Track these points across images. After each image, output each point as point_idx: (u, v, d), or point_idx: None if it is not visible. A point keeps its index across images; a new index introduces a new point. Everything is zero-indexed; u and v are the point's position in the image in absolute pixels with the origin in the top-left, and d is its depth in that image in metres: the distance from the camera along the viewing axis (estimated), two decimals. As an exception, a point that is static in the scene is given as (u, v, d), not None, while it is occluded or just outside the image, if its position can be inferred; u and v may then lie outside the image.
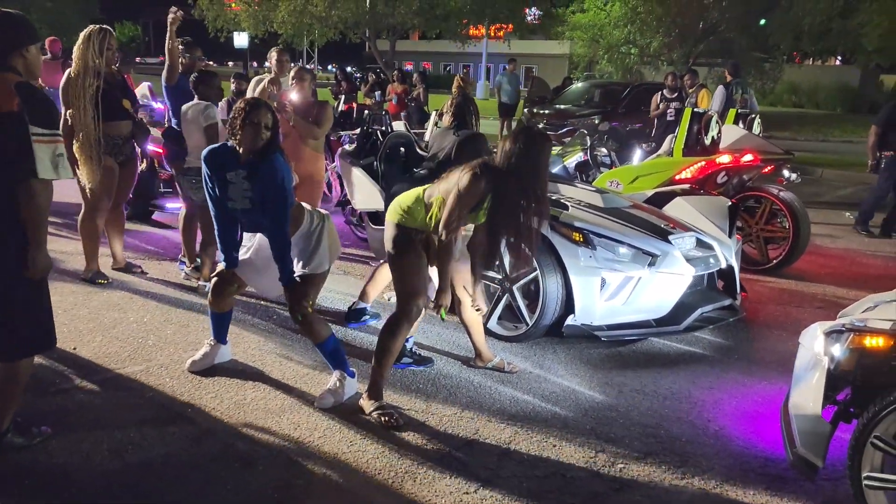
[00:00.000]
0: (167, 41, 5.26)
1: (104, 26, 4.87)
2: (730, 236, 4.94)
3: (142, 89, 9.04)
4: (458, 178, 3.21)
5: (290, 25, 22.51)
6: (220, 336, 3.93)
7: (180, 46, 5.44)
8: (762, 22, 20.50)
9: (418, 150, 5.62)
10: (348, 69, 22.14)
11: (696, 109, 6.97)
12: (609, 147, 7.37)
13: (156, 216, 7.39)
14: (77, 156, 4.72)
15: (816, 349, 2.85)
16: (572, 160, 7.10)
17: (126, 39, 49.47)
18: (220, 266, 3.74)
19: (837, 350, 2.70)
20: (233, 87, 7.61)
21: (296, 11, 22.00)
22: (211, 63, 37.28)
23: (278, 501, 2.79)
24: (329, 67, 54.47)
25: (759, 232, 6.34)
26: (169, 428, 3.27)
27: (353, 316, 4.67)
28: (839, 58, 35.45)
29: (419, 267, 3.46)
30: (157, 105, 8.59)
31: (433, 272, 3.54)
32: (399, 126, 6.74)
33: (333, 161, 7.13)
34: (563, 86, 17.37)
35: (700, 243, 4.67)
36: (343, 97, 12.96)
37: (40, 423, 3.14)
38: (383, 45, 25.14)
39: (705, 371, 4.18)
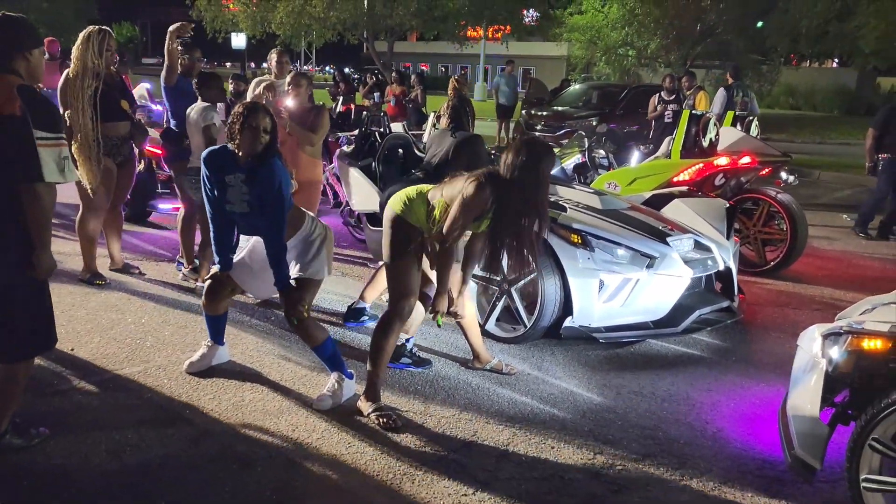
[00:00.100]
0: (167, 42, 5.25)
1: (103, 27, 4.86)
2: (727, 238, 4.95)
3: (139, 90, 9.03)
4: (462, 187, 3.22)
5: (289, 26, 22.48)
6: (218, 337, 3.92)
7: (179, 48, 5.44)
8: (759, 24, 20.56)
9: (416, 151, 5.62)
10: (346, 70, 22.10)
11: (693, 111, 6.98)
12: (607, 149, 7.38)
13: (153, 217, 7.38)
14: (76, 157, 4.71)
15: (814, 351, 2.86)
16: (570, 162, 7.11)
17: (124, 40, 49.39)
18: (215, 268, 3.73)
19: (835, 352, 2.71)
20: (231, 88, 7.61)
21: (294, 12, 21.97)
22: (210, 64, 37.27)
23: (277, 502, 2.79)
24: (327, 68, 54.50)
25: (756, 234, 6.35)
26: (167, 429, 3.27)
27: (352, 315, 4.68)
28: (836, 60, 35.55)
29: (413, 267, 3.47)
30: (156, 107, 8.59)
31: (433, 274, 3.54)
32: (397, 127, 6.75)
33: (331, 163, 7.14)
34: (561, 87, 17.40)
35: (698, 245, 4.68)
36: (341, 98, 12.95)
37: (38, 424, 3.14)
38: (381, 47, 25.14)
39: (703, 373, 4.18)
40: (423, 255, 3.50)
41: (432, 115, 6.14)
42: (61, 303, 4.75)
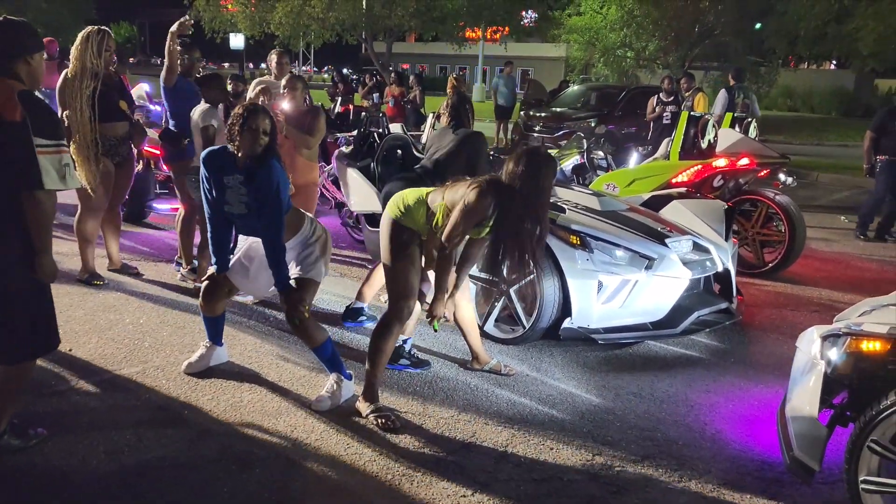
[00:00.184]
0: (168, 43, 5.25)
1: (103, 27, 4.86)
2: (726, 240, 4.95)
3: (138, 90, 9.02)
4: (465, 193, 3.22)
5: (287, 27, 22.47)
6: (216, 338, 3.92)
7: (179, 48, 5.44)
8: (758, 26, 20.57)
9: (415, 152, 5.62)
10: (345, 71, 22.08)
11: (692, 113, 6.99)
12: (605, 150, 7.39)
13: (151, 217, 7.37)
14: (74, 157, 4.70)
15: (813, 353, 2.86)
16: (569, 163, 7.11)
17: (122, 40, 49.37)
18: (211, 269, 3.73)
19: (834, 354, 2.71)
20: (230, 88, 7.59)
21: (293, 13, 21.96)
22: (208, 64, 37.22)
23: (275, 503, 2.79)
24: (326, 69, 54.50)
25: (755, 235, 6.36)
26: (165, 430, 3.27)
27: (350, 315, 4.67)
28: (834, 62, 35.55)
29: (412, 268, 3.47)
30: (155, 107, 8.58)
31: (432, 276, 3.54)
32: (396, 128, 6.74)
33: (329, 163, 7.12)
34: (560, 89, 17.40)
35: (696, 247, 4.68)
36: (339, 99, 12.95)
37: (36, 425, 3.13)
38: (380, 47, 25.12)
39: (702, 374, 4.18)
40: (421, 256, 3.50)
41: (431, 115, 6.14)
42: (59, 303, 4.67)
